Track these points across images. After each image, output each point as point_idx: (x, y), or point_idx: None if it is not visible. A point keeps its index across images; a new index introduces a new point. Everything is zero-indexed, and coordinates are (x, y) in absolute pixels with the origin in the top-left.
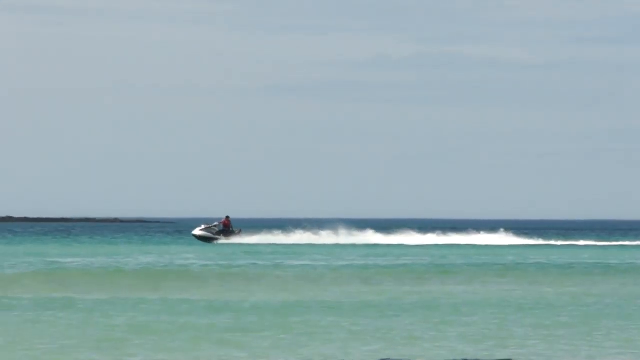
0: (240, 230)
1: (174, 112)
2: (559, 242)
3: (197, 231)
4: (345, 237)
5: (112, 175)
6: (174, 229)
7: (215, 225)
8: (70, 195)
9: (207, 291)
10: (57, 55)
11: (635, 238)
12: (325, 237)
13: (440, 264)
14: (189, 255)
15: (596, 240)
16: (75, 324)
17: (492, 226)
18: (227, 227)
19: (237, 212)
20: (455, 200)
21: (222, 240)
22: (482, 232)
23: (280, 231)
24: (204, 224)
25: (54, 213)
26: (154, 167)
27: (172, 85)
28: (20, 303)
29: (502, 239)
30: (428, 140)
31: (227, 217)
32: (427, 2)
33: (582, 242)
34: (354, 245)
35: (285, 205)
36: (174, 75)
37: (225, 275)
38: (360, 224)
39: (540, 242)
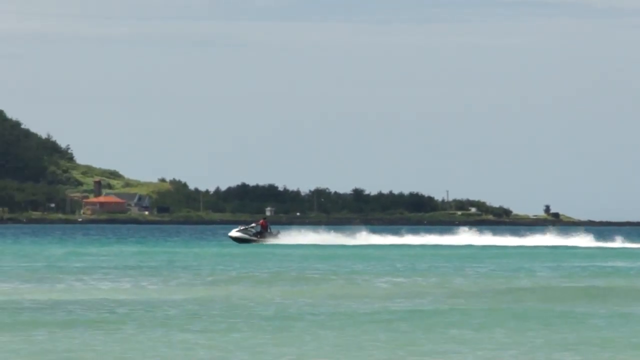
0: (278, 232)
1: None
2: None
3: (234, 232)
4: None
5: None
6: None
7: (252, 227)
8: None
9: None
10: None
11: None
12: None
13: None
14: None
15: None
16: None
17: None
18: (265, 229)
19: None
20: None
21: (265, 241)
22: None
23: None
24: (241, 226)
25: (599, 216)
26: None
27: None
28: None
29: None
30: None
31: (264, 219)
32: None
33: None
34: None
35: None
36: None
37: None
38: None
39: None
